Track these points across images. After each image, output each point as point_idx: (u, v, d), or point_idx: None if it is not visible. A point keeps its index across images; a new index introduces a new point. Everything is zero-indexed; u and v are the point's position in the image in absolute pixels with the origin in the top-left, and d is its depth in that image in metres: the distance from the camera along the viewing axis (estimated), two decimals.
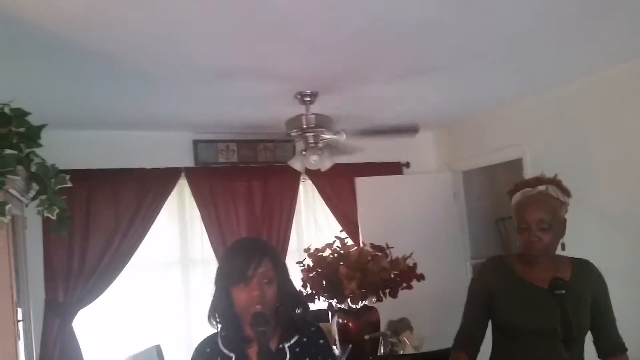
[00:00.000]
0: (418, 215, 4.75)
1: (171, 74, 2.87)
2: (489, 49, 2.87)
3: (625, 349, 1.96)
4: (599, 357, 1.96)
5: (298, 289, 1.80)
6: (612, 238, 3.41)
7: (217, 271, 1.67)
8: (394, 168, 5.00)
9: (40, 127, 2.06)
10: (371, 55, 2.82)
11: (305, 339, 1.64)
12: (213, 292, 1.65)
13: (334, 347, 3.13)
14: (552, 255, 1.91)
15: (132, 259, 4.03)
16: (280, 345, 1.61)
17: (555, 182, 1.96)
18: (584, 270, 1.95)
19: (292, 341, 1.63)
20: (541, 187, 1.93)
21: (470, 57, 2.98)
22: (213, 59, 2.69)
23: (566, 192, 1.96)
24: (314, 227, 4.78)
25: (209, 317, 1.65)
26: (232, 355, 1.60)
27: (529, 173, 4.04)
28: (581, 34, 2.74)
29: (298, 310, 1.69)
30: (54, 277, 3.82)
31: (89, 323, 3.94)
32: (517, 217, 1.92)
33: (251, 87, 3.21)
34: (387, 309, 3.33)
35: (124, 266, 4.00)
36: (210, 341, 1.66)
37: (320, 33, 2.44)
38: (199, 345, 1.68)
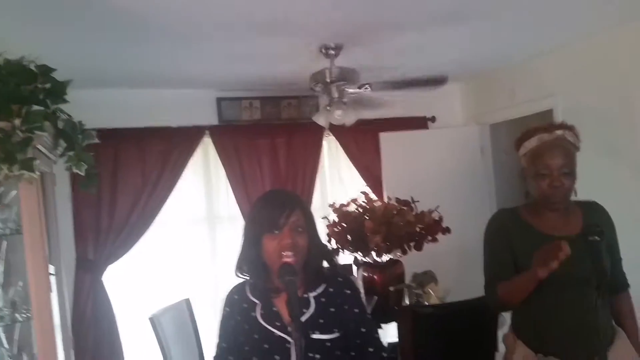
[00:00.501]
0: (443, 170, 4.69)
1: (193, 30, 2.83)
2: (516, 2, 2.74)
3: (628, 286, 1.97)
4: None
5: (329, 248, 1.81)
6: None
7: (248, 221, 1.69)
8: (419, 122, 4.92)
9: (66, 83, 2.06)
10: (396, 3, 2.72)
11: (331, 289, 1.65)
12: (242, 243, 1.66)
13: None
14: (567, 202, 1.87)
15: (159, 216, 4.11)
16: (305, 295, 1.62)
17: (569, 127, 1.89)
18: (594, 213, 1.91)
19: (318, 291, 1.63)
20: (558, 132, 1.86)
21: (501, 5, 2.85)
22: (235, 15, 2.63)
23: (578, 138, 1.90)
24: (338, 183, 4.77)
25: (237, 268, 1.67)
26: (259, 302, 1.63)
27: None
28: None
29: (325, 263, 1.70)
30: (84, 234, 3.93)
31: (119, 278, 4.06)
32: (534, 163, 1.84)
33: (274, 42, 3.15)
34: (412, 262, 3.35)
35: (151, 223, 4.08)
36: (238, 289, 1.69)
37: None
38: (228, 292, 1.71)
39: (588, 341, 1.68)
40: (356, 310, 1.65)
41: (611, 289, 1.88)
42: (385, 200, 4.07)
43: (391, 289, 3.05)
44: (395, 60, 3.80)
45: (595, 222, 1.81)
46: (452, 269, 4.10)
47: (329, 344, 1.57)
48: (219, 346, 1.68)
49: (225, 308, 1.68)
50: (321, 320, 1.59)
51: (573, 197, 1.88)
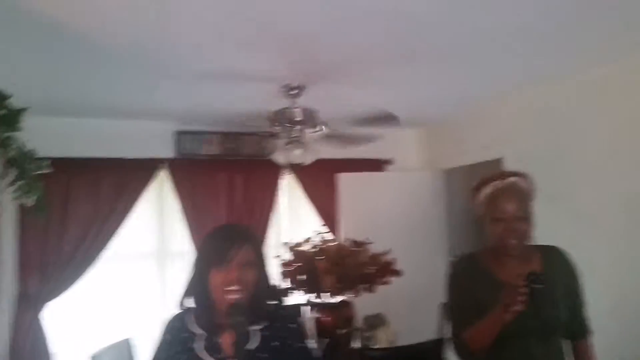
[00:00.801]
0: (399, 213, 4.78)
1: (154, 65, 2.86)
2: (471, 48, 2.90)
3: (585, 332, 1.96)
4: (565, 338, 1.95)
5: (275, 285, 1.80)
6: (589, 238, 3.47)
7: (197, 253, 1.68)
8: (376, 165, 5.03)
9: (21, 111, 2.03)
10: (354, 48, 2.82)
11: (276, 324, 1.64)
12: (190, 275, 1.66)
13: (311, 342, 3.16)
14: (523, 246, 1.87)
15: (107, 250, 4.00)
16: (249, 329, 1.60)
17: (523, 174, 1.95)
18: (553, 258, 1.94)
19: (262, 325, 1.62)
20: (512, 179, 1.91)
21: (452, 55, 3.00)
22: (196, 58, 2.68)
23: (533, 185, 1.94)
24: (295, 221, 4.78)
25: (181, 302, 1.65)
26: (204, 332, 1.60)
27: None
28: (563, 35, 2.78)
29: (272, 300, 1.69)
30: (28, 267, 3.77)
31: (61, 314, 3.89)
32: (489, 209, 1.86)
33: (235, 85, 3.20)
34: (365, 304, 3.36)
35: (99, 256, 3.96)
36: (179, 318, 1.66)
37: (301, 23, 2.43)
38: (170, 319, 1.68)
39: None
40: (300, 345, 1.66)
41: (570, 334, 1.91)
42: (342, 240, 4.12)
43: (342, 331, 3.04)
44: (352, 104, 3.91)
45: (555, 267, 1.88)
46: (403, 312, 4.13)
47: None
48: None
49: (165, 335, 1.64)
50: (265, 355, 1.58)
51: (534, 242, 1.91)
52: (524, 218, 1.83)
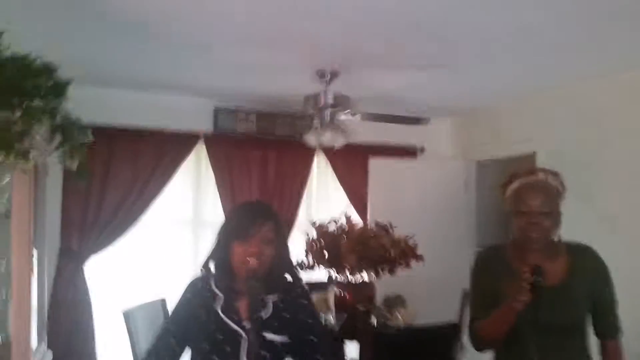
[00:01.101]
0: (428, 200, 4.82)
1: (196, 39, 2.98)
2: (512, 42, 2.92)
3: (616, 333, 1.94)
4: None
5: (293, 259, 1.91)
6: (615, 238, 3.45)
7: (222, 226, 1.81)
8: (408, 152, 5.06)
9: (68, 83, 2.19)
10: (395, 42, 2.89)
11: (289, 298, 1.76)
12: (214, 244, 1.79)
13: (330, 316, 3.28)
14: (548, 243, 1.88)
15: (145, 215, 4.22)
16: (264, 298, 1.72)
17: (554, 172, 1.96)
18: (583, 257, 1.93)
19: (277, 296, 1.74)
20: (540, 175, 1.93)
21: (492, 51, 3.05)
22: (236, 25, 2.77)
23: (563, 184, 1.94)
24: (324, 201, 4.89)
25: (204, 264, 1.79)
26: (222, 295, 1.73)
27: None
28: (604, 35, 2.77)
29: (287, 274, 1.81)
30: (70, 225, 4.04)
31: (101, 269, 4.15)
32: (514, 203, 1.88)
33: (273, 58, 3.29)
34: (387, 286, 3.45)
35: (137, 221, 4.19)
36: (202, 279, 1.79)
37: (349, 11, 2.50)
38: (192, 279, 1.81)
39: None
40: (310, 321, 1.78)
41: (600, 334, 1.93)
42: (368, 223, 4.21)
43: (360, 308, 3.15)
44: (388, 93, 3.97)
45: (582, 266, 1.89)
46: (424, 296, 4.18)
47: (279, 345, 1.69)
48: (164, 327, 1.78)
49: (186, 294, 1.78)
50: (275, 323, 1.70)
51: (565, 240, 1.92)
52: (549, 214, 1.83)
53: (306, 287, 1.86)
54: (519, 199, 1.87)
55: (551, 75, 3.64)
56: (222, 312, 1.70)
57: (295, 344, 1.72)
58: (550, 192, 1.88)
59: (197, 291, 1.77)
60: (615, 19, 2.52)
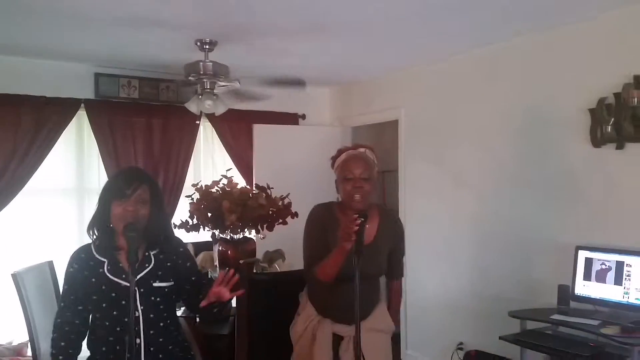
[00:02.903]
0: (308, 164, 5.18)
1: (71, 7, 3.02)
2: (381, 26, 3.30)
3: (400, 276, 2.50)
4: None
5: (168, 218, 2.16)
6: (461, 190, 4.06)
7: (103, 189, 2.02)
8: (291, 118, 5.40)
9: None
10: (271, 10, 3.09)
11: (167, 249, 2.05)
12: (96, 208, 2.00)
13: (215, 271, 3.58)
14: (367, 204, 2.28)
15: (28, 183, 4.18)
16: (147, 253, 2.00)
17: (370, 147, 2.39)
18: (386, 220, 2.38)
19: (157, 250, 2.02)
20: (361, 150, 2.35)
21: (358, 28, 3.40)
22: (113, 2, 2.87)
23: (377, 158, 2.38)
24: (211, 167, 5.11)
25: (88, 228, 1.99)
26: (105, 260, 1.96)
27: (403, 133, 4.62)
28: (451, 20, 3.23)
29: (164, 232, 2.05)
30: None
31: None
32: (342, 171, 2.28)
33: (151, 31, 3.41)
34: (274, 242, 3.77)
35: (19, 189, 4.15)
36: (84, 249, 2.01)
37: None
38: (74, 252, 2.02)
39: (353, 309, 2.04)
40: (188, 264, 2.10)
41: (388, 275, 2.47)
42: (249, 185, 4.51)
43: (242, 262, 3.47)
44: (267, 62, 4.23)
45: (387, 223, 2.35)
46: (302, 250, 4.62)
47: (166, 290, 1.99)
48: (66, 298, 1.99)
49: (73, 265, 1.98)
50: (159, 272, 1.99)
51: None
52: (368, 179, 2.25)
53: (180, 239, 2.13)
54: (345, 168, 2.28)
55: (413, 54, 4.12)
56: (110, 274, 1.94)
57: (180, 285, 2.03)
58: (369, 162, 2.31)
59: (82, 260, 1.97)
60: (460, 7, 2.94)
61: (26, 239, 4.24)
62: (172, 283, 2.01)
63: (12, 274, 3.09)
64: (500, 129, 3.75)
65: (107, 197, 1.96)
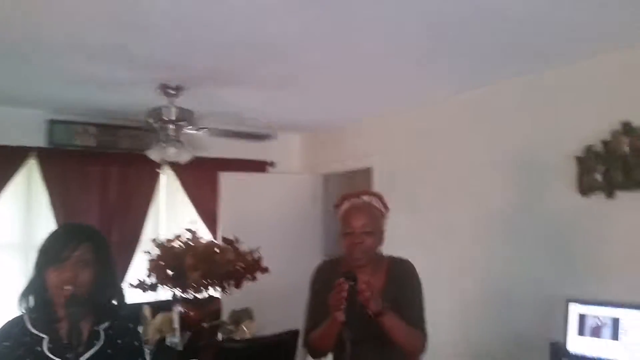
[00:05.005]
0: (278, 213, 4.95)
1: (20, 48, 2.76)
2: (352, 72, 3.16)
3: (417, 327, 2.05)
4: None
5: (118, 279, 1.85)
6: (441, 245, 3.85)
7: (37, 252, 1.70)
8: (259, 166, 5.16)
9: None
10: (240, 62, 2.95)
11: (117, 323, 1.73)
12: (30, 275, 1.68)
13: (174, 336, 3.22)
14: (371, 259, 2.05)
15: None
16: (95, 328, 1.68)
17: (377, 195, 2.17)
18: (398, 269, 2.12)
19: (107, 324, 1.70)
20: (365, 198, 2.13)
21: (333, 74, 3.25)
22: (67, 36, 2.62)
23: (386, 206, 2.16)
24: (173, 219, 4.78)
25: (20, 299, 1.67)
26: (44, 336, 1.63)
27: (377, 181, 4.43)
28: (429, 68, 3.12)
29: (114, 299, 1.75)
30: None
31: None
32: (343, 223, 2.06)
33: (113, 71, 3.17)
34: (238, 300, 3.45)
35: None
36: (16, 322, 1.67)
37: (195, 33, 2.51)
38: (3, 326, 1.67)
39: None
40: (136, 343, 1.77)
41: None
42: (216, 238, 4.20)
43: (205, 325, 3.13)
44: (235, 110, 4.03)
45: (397, 277, 2.06)
46: (274, 307, 4.30)
47: None
48: None
49: (3, 343, 1.63)
50: (109, 351, 1.66)
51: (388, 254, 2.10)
52: (371, 233, 2.02)
53: (132, 311, 1.82)
54: (345, 221, 2.06)
55: (387, 101, 3.99)
56: (51, 352, 1.61)
57: None
58: (373, 213, 2.08)
59: (14, 337, 1.63)
60: (444, 46, 2.81)
61: None
62: None
63: None
64: (483, 177, 3.59)
65: (42, 261, 1.64)
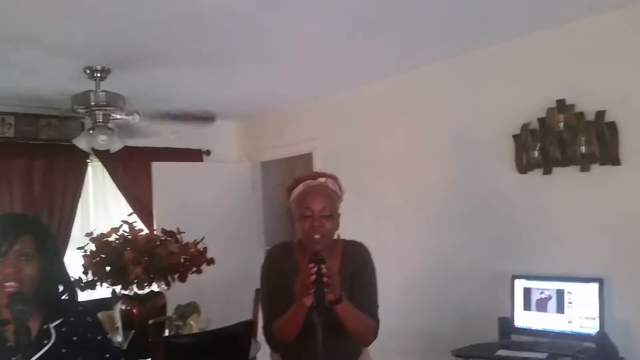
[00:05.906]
0: (216, 203, 4.80)
1: None
2: (289, 53, 3.07)
3: (369, 311, 2.00)
4: None
5: (66, 271, 1.69)
6: (384, 225, 3.88)
7: None
8: (194, 155, 4.98)
9: None
10: (169, 37, 2.77)
11: (72, 319, 1.57)
12: None
13: (117, 336, 3.02)
14: (329, 242, 1.98)
15: None
16: (45, 326, 1.53)
17: (333, 176, 2.08)
18: (352, 251, 2.07)
19: (58, 322, 1.55)
20: (321, 179, 2.04)
21: (267, 56, 3.14)
22: None
23: (341, 188, 2.08)
24: (103, 212, 4.52)
25: None
26: None
27: (318, 166, 4.39)
28: (367, 44, 3.07)
29: (64, 294, 1.61)
30: None
31: None
32: (299, 206, 1.96)
33: (34, 56, 2.90)
34: (181, 294, 3.31)
35: None
36: None
37: (116, 5, 2.32)
38: None
39: None
40: (98, 338, 1.62)
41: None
42: (155, 230, 3.99)
43: (150, 322, 2.97)
44: (167, 93, 3.82)
45: (351, 259, 2.01)
46: (219, 299, 4.18)
47: None
48: None
49: None
50: (63, 350, 1.52)
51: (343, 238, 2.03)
52: (329, 216, 1.95)
53: (88, 303, 1.67)
54: (302, 204, 1.95)
55: (326, 84, 3.93)
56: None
57: None
58: (330, 196, 2.00)
59: None
60: (379, 27, 2.79)
61: None
62: None
63: None
64: (423, 157, 3.64)
65: None
